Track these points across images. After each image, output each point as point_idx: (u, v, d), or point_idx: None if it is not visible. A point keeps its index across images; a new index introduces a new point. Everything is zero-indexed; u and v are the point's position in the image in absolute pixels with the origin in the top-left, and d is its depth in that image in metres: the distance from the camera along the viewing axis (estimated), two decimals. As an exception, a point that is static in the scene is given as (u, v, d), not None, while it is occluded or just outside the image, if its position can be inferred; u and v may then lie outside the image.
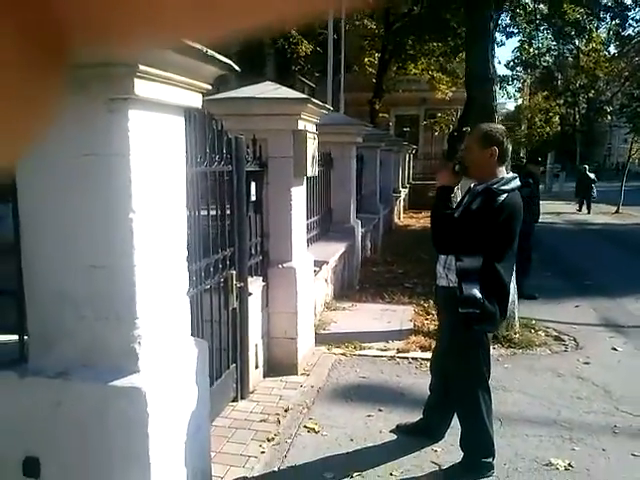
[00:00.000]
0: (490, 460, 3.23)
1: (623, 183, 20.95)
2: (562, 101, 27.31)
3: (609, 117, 26.77)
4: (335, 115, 8.87)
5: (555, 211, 20.29)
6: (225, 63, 2.50)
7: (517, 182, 3.08)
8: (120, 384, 2.17)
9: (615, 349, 5.50)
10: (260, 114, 4.24)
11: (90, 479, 2.26)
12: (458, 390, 3.27)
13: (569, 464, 3.39)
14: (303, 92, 16.89)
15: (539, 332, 5.91)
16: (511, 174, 3.12)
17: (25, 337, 2.36)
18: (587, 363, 5.10)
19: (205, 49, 2.29)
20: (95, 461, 2.24)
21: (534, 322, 6.14)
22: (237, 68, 2.62)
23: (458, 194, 4.40)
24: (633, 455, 3.51)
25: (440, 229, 3.17)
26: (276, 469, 3.28)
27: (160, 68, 2.11)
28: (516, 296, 5.77)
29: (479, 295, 3.05)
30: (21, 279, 2.28)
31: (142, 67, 2.01)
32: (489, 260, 3.08)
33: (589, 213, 20.86)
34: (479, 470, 3.20)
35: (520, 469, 3.33)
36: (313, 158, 4.67)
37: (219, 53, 2.41)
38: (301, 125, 4.35)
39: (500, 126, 3.32)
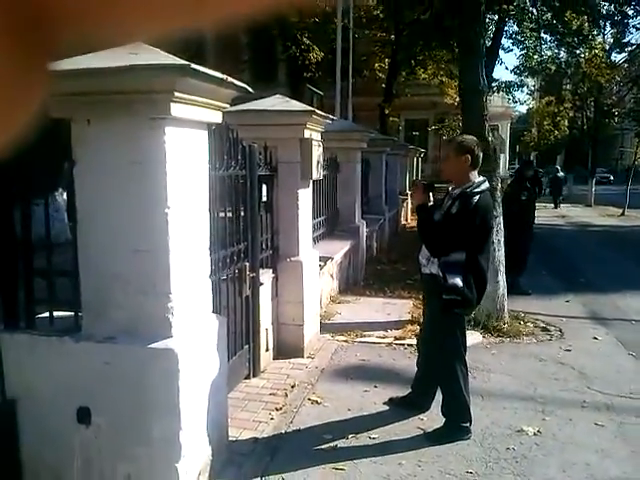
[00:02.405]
0: (467, 425, 3.75)
1: (629, 186, 21.33)
2: (570, 105, 27.65)
3: (616, 120, 27.10)
4: (341, 122, 9.42)
5: (560, 214, 20.70)
6: (240, 86, 3.04)
7: (487, 184, 3.61)
8: (157, 346, 2.70)
9: (596, 338, 5.98)
10: (271, 124, 4.78)
11: (132, 424, 2.79)
12: (439, 363, 3.79)
13: (538, 430, 3.89)
14: (312, 100, 17.36)
15: (528, 323, 6.40)
16: (481, 178, 3.64)
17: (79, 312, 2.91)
18: (568, 350, 5.59)
19: (224, 76, 2.83)
20: (136, 409, 2.77)
21: (524, 315, 6.63)
22: (250, 90, 3.15)
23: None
24: (596, 424, 4.01)
25: (430, 238, 3.71)
26: (283, 432, 3.82)
27: (190, 93, 2.65)
28: (506, 290, 6.27)
29: (461, 284, 3.57)
30: (77, 262, 2.83)
31: (177, 93, 2.55)
32: (472, 253, 3.60)
33: (556, 207, 23.29)
34: (458, 433, 3.72)
35: (494, 434, 3.84)
36: (318, 163, 5.20)
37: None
38: (307, 134, 4.89)
39: (472, 137, 3.84)
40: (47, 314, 3.02)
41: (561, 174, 26.09)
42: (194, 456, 2.90)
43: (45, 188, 3.38)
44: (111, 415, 2.81)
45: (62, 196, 10.76)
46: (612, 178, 33.35)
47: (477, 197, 3.53)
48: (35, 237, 2.99)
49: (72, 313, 2.95)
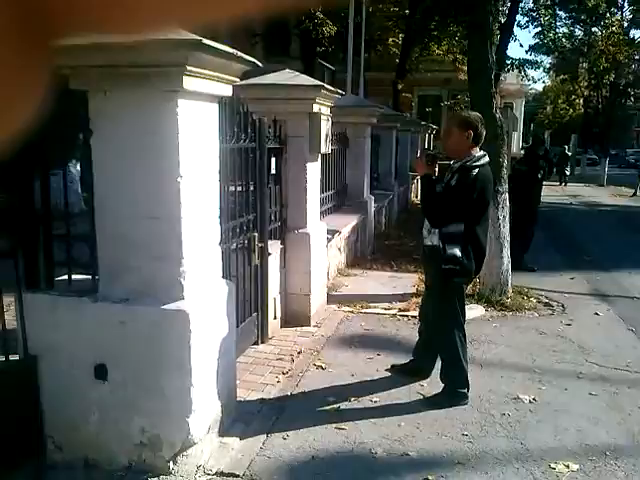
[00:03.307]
0: (465, 390, 3.91)
1: (641, 166, 21.24)
2: (585, 84, 27.41)
3: (632, 100, 26.91)
4: (352, 97, 9.49)
5: (571, 193, 20.68)
6: (250, 61, 3.15)
7: (486, 159, 3.73)
8: (169, 308, 2.86)
9: (597, 314, 6.10)
10: (280, 98, 4.89)
11: (145, 380, 2.97)
12: (439, 331, 3.94)
13: (533, 398, 4.05)
14: (323, 75, 17.28)
15: (531, 299, 6.52)
16: (481, 152, 3.75)
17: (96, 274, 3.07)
18: (569, 325, 5.72)
19: (235, 51, 2.95)
20: (149, 366, 2.95)
21: (527, 290, 6.75)
22: (260, 64, 3.27)
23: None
24: (590, 394, 4.15)
25: (430, 209, 3.83)
26: (289, 394, 4.00)
27: (202, 67, 2.77)
28: (510, 265, 6.38)
29: (459, 254, 3.71)
30: (94, 228, 2.99)
31: (189, 67, 2.67)
32: (470, 225, 3.73)
33: (565, 185, 23.78)
34: (455, 398, 3.88)
35: (491, 401, 4.00)
36: (326, 137, 5.32)
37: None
38: (316, 108, 5.00)
39: (477, 114, 3.94)
40: (66, 276, 3.19)
41: (569, 153, 27.03)
42: (204, 411, 3.08)
43: (61, 159, 3.53)
44: (126, 371, 2.99)
45: (76, 167, 10.97)
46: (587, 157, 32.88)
47: (476, 170, 3.64)
48: (52, 206, 3.14)
49: (89, 276, 3.12)
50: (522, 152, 20.39)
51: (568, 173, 25.74)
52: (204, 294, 3.07)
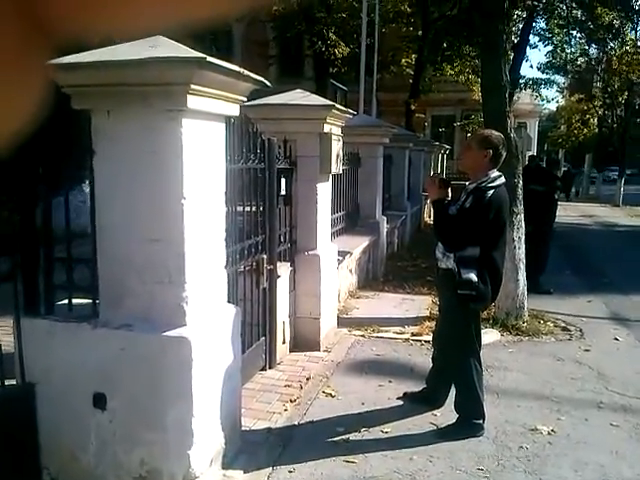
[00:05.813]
0: (480, 422, 3.74)
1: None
2: (599, 103, 27.26)
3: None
4: (364, 117, 9.42)
5: (587, 214, 20.43)
6: (258, 80, 3.06)
7: (502, 179, 3.60)
8: (171, 334, 2.75)
9: (617, 339, 5.91)
10: (290, 118, 4.80)
11: (145, 410, 2.84)
12: (453, 359, 3.78)
13: (552, 430, 3.87)
14: (335, 95, 17.36)
15: (547, 323, 6.34)
16: (497, 173, 3.63)
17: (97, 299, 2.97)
18: (587, 350, 5.53)
19: (241, 70, 2.86)
20: (149, 396, 2.82)
21: (544, 314, 6.57)
22: (268, 84, 3.18)
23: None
24: (611, 425, 3.97)
25: (444, 232, 3.71)
26: (296, 423, 3.85)
27: (207, 86, 2.68)
28: (526, 289, 6.22)
29: (475, 279, 3.56)
30: (95, 251, 2.89)
31: (194, 86, 2.58)
32: (486, 249, 3.59)
33: (568, 200, 25.13)
34: (470, 429, 3.71)
35: (508, 432, 3.82)
36: (337, 157, 5.22)
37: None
38: (327, 128, 4.91)
39: (499, 134, 3.80)
40: (66, 301, 3.09)
41: (574, 171, 29.67)
42: (206, 443, 2.94)
43: (69, 179, 3.45)
44: (126, 400, 2.87)
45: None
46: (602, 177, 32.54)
47: (491, 192, 3.52)
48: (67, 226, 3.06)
49: (90, 301, 3.01)
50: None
51: (574, 191, 27.83)
52: (207, 320, 2.95)
